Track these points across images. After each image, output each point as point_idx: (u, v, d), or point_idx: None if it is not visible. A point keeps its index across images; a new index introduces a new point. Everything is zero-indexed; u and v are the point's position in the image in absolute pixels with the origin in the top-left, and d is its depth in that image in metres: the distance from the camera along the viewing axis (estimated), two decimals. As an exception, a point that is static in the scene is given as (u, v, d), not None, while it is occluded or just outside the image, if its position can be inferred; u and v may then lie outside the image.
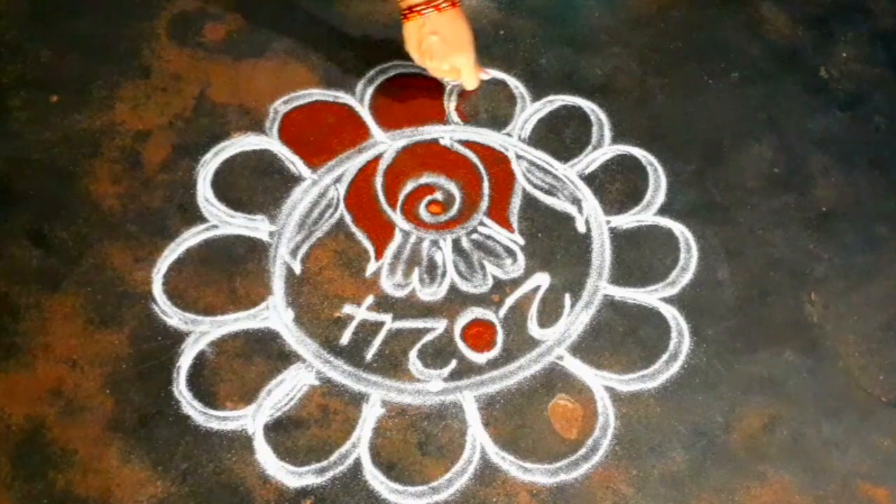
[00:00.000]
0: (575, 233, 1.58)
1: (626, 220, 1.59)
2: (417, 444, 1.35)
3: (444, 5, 1.48)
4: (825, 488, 1.35)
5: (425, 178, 1.63)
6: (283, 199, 1.57)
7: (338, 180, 1.61)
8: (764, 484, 1.35)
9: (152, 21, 1.78)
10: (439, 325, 1.47)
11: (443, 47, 1.52)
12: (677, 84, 1.77)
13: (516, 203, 1.60)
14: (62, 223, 1.52)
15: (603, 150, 1.67)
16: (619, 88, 1.76)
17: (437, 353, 1.44)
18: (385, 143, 1.65)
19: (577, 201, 1.61)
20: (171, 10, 1.80)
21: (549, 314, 1.49)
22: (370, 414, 1.37)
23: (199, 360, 1.40)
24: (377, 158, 1.64)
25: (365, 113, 1.68)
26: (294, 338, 1.44)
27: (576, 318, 1.48)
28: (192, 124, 1.65)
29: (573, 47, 1.80)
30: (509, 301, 1.50)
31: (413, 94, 1.72)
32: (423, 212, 1.59)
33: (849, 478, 1.37)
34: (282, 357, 1.42)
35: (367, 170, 1.62)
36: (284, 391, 1.38)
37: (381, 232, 1.56)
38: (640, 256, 1.56)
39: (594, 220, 1.59)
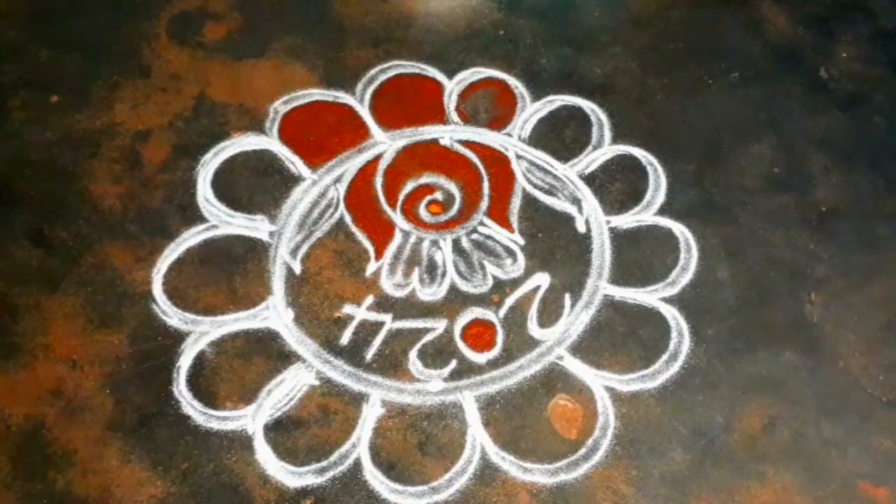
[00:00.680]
0: (575, 233, 1.58)
1: (626, 220, 1.59)
2: (417, 444, 1.35)
3: None
4: (825, 488, 1.35)
5: (425, 178, 1.63)
6: (283, 199, 1.57)
7: (338, 180, 1.61)
8: (764, 484, 1.35)
9: (152, 21, 1.78)
10: (439, 325, 1.47)
11: None
12: (677, 84, 1.77)
13: (516, 203, 1.60)
14: (62, 223, 1.52)
15: (603, 150, 1.67)
16: (619, 88, 1.75)
17: (437, 353, 1.44)
18: (385, 143, 1.65)
19: (577, 201, 1.61)
20: (171, 9, 1.80)
21: (549, 314, 1.49)
22: (370, 414, 1.37)
23: (199, 360, 1.40)
24: (377, 158, 1.64)
25: (365, 113, 1.68)
26: (294, 338, 1.44)
27: (576, 318, 1.48)
28: (192, 124, 1.65)
29: (573, 47, 1.80)
30: (509, 301, 1.50)
31: (413, 94, 1.72)
32: (423, 212, 1.59)
33: (849, 478, 1.37)
34: (282, 357, 1.42)
35: (367, 170, 1.62)
36: (284, 391, 1.39)
37: (381, 232, 1.56)
38: (640, 256, 1.56)
39: (594, 220, 1.59)
